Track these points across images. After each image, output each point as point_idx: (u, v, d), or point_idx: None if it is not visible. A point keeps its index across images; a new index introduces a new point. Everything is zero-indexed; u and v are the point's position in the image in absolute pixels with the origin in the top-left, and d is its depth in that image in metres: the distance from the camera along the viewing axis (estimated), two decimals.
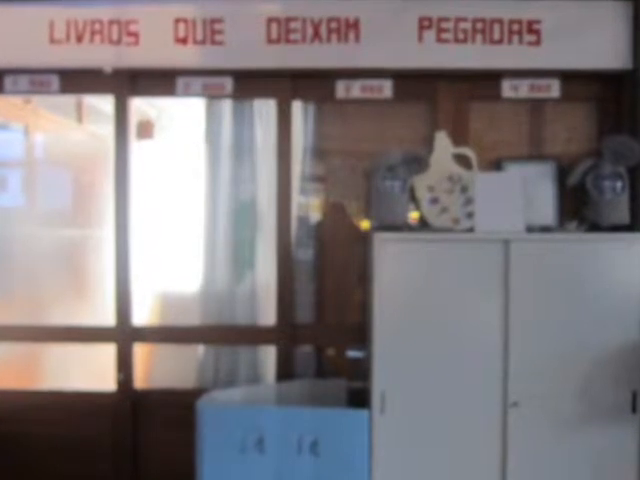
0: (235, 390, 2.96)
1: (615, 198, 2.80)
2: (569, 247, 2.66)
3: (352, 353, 3.22)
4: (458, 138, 3.06)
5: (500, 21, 2.97)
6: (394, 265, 2.66)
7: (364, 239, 3.11)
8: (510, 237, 2.63)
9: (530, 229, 2.72)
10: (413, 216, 3.05)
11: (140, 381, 3.21)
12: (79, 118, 3.57)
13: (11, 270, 3.37)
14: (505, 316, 2.64)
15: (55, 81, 3.12)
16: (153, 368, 3.33)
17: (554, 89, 3.05)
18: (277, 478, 2.62)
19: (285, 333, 3.14)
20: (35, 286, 3.37)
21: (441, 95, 3.09)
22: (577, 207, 2.97)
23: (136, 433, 3.15)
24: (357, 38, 2.99)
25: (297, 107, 3.17)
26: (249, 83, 3.12)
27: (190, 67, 3.05)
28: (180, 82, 3.10)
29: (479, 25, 2.98)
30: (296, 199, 3.19)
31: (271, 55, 3.01)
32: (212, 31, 3.01)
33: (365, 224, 3.22)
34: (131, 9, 3.02)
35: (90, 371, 3.25)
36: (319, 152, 3.25)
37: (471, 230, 2.75)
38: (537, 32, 2.97)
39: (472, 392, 2.65)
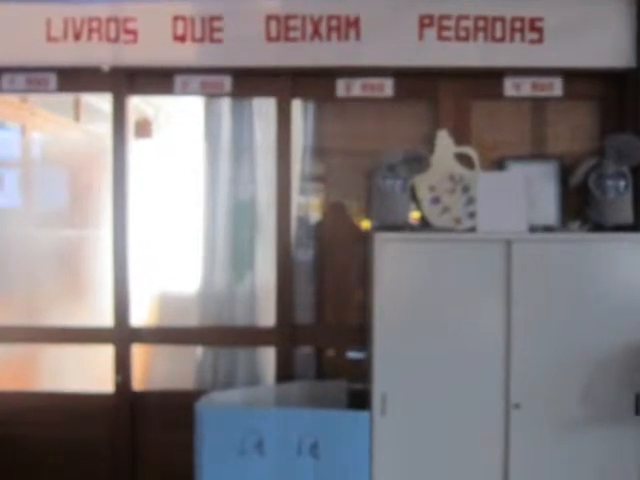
0: (234, 392, 2.94)
1: (618, 198, 2.78)
2: (572, 247, 2.64)
3: (352, 354, 3.20)
4: (460, 137, 3.04)
5: (502, 19, 2.95)
6: (395, 265, 2.64)
7: (364, 239, 3.09)
8: (512, 237, 2.61)
9: (533, 229, 2.70)
10: (414, 216, 3.03)
11: (138, 382, 3.19)
12: (76, 117, 3.55)
13: (8, 271, 3.34)
14: (507, 317, 2.62)
15: (52, 79, 3.10)
16: (151, 369, 3.30)
17: (557, 88, 3.04)
18: None
19: (285, 334, 3.12)
20: (32, 287, 3.34)
21: (442, 93, 3.07)
22: (580, 207, 2.95)
23: (134, 435, 3.13)
24: (357, 36, 2.97)
25: (297, 106, 3.14)
26: (248, 81, 3.09)
27: (188, 65, 3.03)
28: (178, 80, 3.08)
29: (481, 23, 2.96)
30: (296, 199, 3.17)
31: (270, 53, 2.98)
32: (211, 29, 2.99)
33: (366, 224, 3.20)
34: (129, 7, 3.00)
35: (88, 372, 3.23)
36: (319, 151, 3.23)
37: (473, 230, 2.73)
38: (539, 30, 2.95)
39: (474, 394, 2.63)
